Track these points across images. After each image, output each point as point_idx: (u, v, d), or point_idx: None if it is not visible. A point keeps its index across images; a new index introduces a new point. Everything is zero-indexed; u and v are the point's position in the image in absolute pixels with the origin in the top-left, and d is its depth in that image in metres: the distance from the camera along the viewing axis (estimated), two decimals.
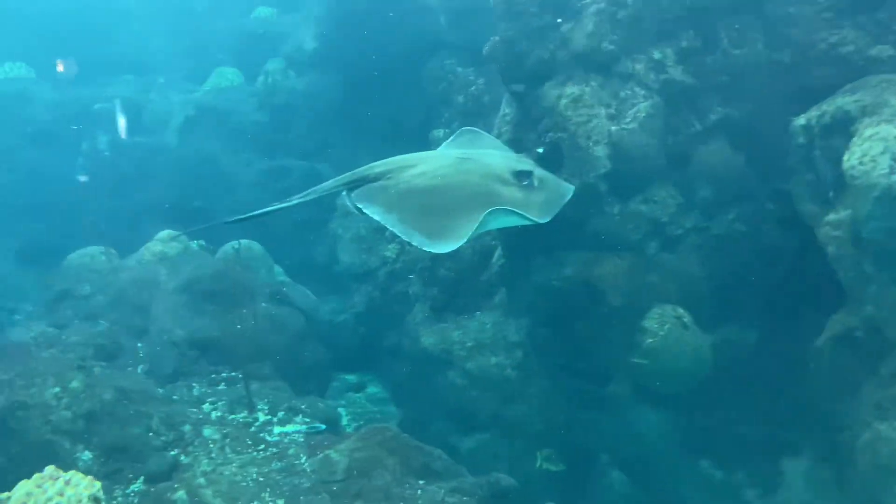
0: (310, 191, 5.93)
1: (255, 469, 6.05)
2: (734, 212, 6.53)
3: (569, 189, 4.34)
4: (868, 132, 5.21)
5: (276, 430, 7.76)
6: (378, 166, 4.59)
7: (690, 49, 6.40)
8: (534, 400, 8.30)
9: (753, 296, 6.67)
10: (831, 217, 5.63)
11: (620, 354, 6.44)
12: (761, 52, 6.39)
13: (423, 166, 4.44)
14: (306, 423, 8.24)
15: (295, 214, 13.79)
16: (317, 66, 15.05)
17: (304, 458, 6.13)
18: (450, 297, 9.94)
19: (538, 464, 7.68)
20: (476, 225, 3.68)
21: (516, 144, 6.61)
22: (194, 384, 8.48)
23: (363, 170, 4.60)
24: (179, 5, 20.36)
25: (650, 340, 6.18)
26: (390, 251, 11.89)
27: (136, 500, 5.75)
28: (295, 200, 5.70)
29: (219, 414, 7.82)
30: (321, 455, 5.92)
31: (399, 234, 4.03)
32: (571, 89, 6.23)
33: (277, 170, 14.73)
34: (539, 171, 4.29)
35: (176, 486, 5.52)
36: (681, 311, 6.28)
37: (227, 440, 6.81)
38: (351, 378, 12.15)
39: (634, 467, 7.18)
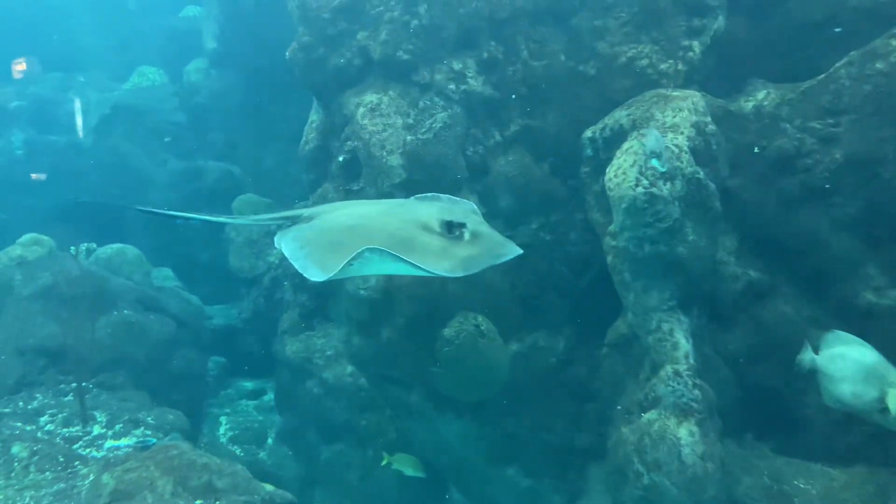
0: (241, 217, 5.80)
1: (32, 492, 5.94)
2: (538, 221, 6.61)
3: (510, 252, 3.97)
4: (626, 146, 5.33)
5: (108, 444, 7.67)
6: (314, 208, 4.57)
7: (491, 60, 6.45)
8: (386, 409, 8.32)
9: (562, 303, 6.76)
10: (611, 228, 5.72)
11: (422, 363, 6.47)
12: (564, 64, 6.47)
13: (353, 209, 4.43)
14: (146, 435, 8.18)
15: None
16: (219, 65, 14.96)
17: (90, 480, 6.04)
18: (320, 304, 9.92)
19: (384, 462, 7.66)
20: (345, 261, 3.53)
21: (322, 152, 6.61)
22: (38, 395, 8.32)
23: (299, 210, 4.54)
24: (112, 2, 20.09)
25: (446, 349, 6.20)
26: (274, 256, 11.83)
27: None
28: (223, 219, 5.77)
29: (51, 428, 7.70)
30: (95, 477, 5.84)
31: (297, 268, 3.89)
32: (370, 98, 6.23)
33: (192, 171, 14.61)
34: (477, 227, 4.03)
35: None
36: (480, 319, 6.32)
37: (35, 458, 6.63)
38: (248, 385, 12.05)
39: (455, 477, 7.24)
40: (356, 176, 6.32)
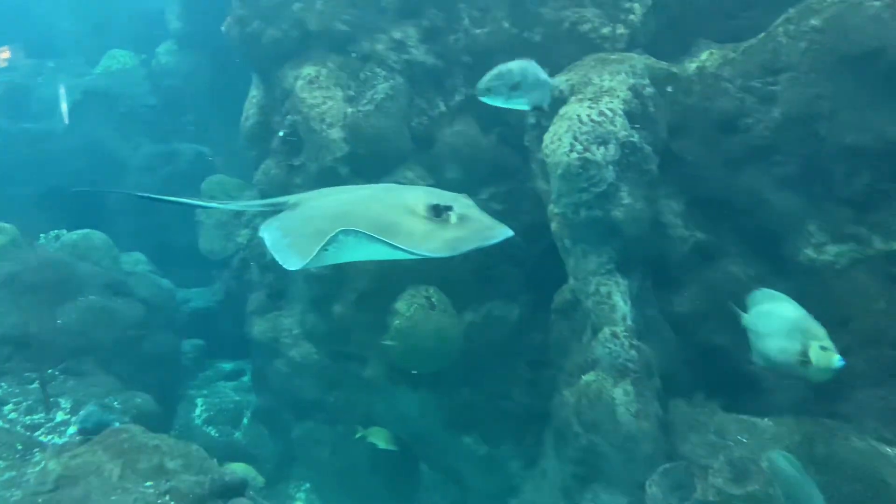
0: (229, 202, 5.65)
1: None
2: (488, 191, 6.57)
3: (498, 234, 3.81)
4: (562, 111, 5.28)
5: (70, 430, 7.66)
6: (299, 195, 4.46)
7: (433, 29, 6.36)
8: (353, 385, 8.34)
9: (516, 271, 6.76)
10: (552, 195, 5.70)
11: (375, 337, 6.47)
12: (507, 31, 6.39)
13: (339, 196, 4.35)
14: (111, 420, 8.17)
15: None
16: (186, 46, 14.82)
17: (40, 467, 6.03)
18: (287, 284, 9.89)
19: (358, 435, 7.69)
20: (320, 245, 3.44)
21: (263, 127, 6.54)
22: (2, 384, 8.28)
23: (284, 198, 4.45)
24: None
25: (397, 322, 6.21)
26: (242, 237, 11.76)
27: None
28: (214, 205, 5.72)
29: (13, 416, 7.69)
30: (44, 464, 5.84)
31: (278, 260, 3.76)
32: (308, 70, 6.15)
33: (166, 154, 14.54)
34: (465, 210, 3.89)
35: None
36: (431, 290, 6.32)
37: None
38: (227, 366, 12.03)
39: (416, 448, 7.28)
40: (298, 151, 6.26)
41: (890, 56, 4.94)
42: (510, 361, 6.73)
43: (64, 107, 15.12)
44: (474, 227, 3.79)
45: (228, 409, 10.96)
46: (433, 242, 3.63)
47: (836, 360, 4.00)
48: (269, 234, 3.97)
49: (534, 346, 6.74)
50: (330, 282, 6.39)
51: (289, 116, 6.24)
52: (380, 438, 7.69)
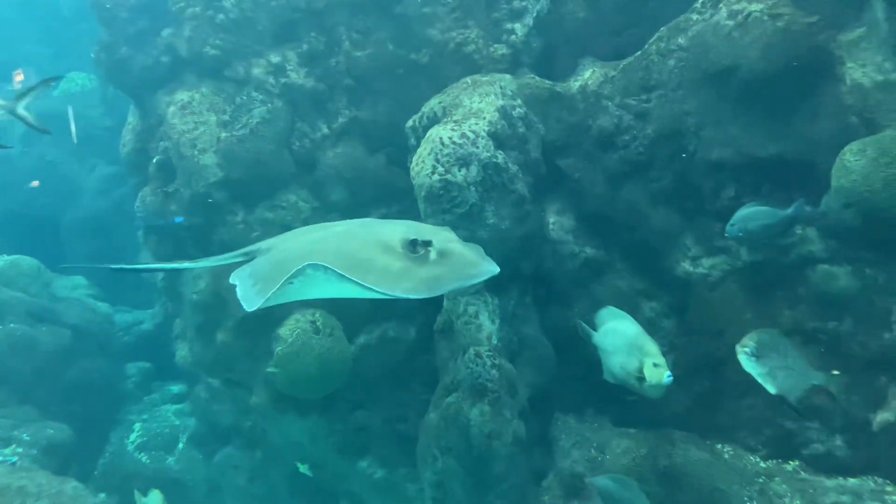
0: (201, 259, 5.57)
1: None
2: (377, 213, 6.45)
3: (481, 272, 3.58)
4: (428, 134, 5.20)
5: None
6: (272, 240, 4.32)
7: (313, 52, 6.26)
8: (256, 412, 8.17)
9: None
10: None
11: (259, 364, 6.33)
12: (393, 53, 6.28)
13: (312, 234, 4.20)
14: (17, 454, 7.98)
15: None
16: None
17: None
18: None
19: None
20: (280, 283, 3.27)
21: (141, 154, 6.43)
22: None
23: (256, 245, 4.29)
24: (47, 10, 19.89)
25: (279, 349, 6.06)
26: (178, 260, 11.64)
27: None
28: (189, 265, 5.63)
29: None
30: None
31: (245, 308, 3.58)
32: (181, 96, 6.04)
33: (120, 175, 14.47)
34: (445, 245, 3.69)
35: None
36: (318, 314, 6.18)
37: None
38: (174, 389, 11.84)
39: (316, 475, 7.13)
40: (173, 177, 6.13)
41: (742, 73, 4.93)
42: (406, 383, 6.58)
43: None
44: (455, 263, 3.58)
45: (164, 435, 10.72)
46: (409, 281, 3.42)
47: (666, 376, 3.99)
48: (240, 282, 3.81)
49: (431, 367, 6.59)
50: (211, 309, 6.25)
51: (162, 143, 6.13)
52: (305, 466, 7.55)
